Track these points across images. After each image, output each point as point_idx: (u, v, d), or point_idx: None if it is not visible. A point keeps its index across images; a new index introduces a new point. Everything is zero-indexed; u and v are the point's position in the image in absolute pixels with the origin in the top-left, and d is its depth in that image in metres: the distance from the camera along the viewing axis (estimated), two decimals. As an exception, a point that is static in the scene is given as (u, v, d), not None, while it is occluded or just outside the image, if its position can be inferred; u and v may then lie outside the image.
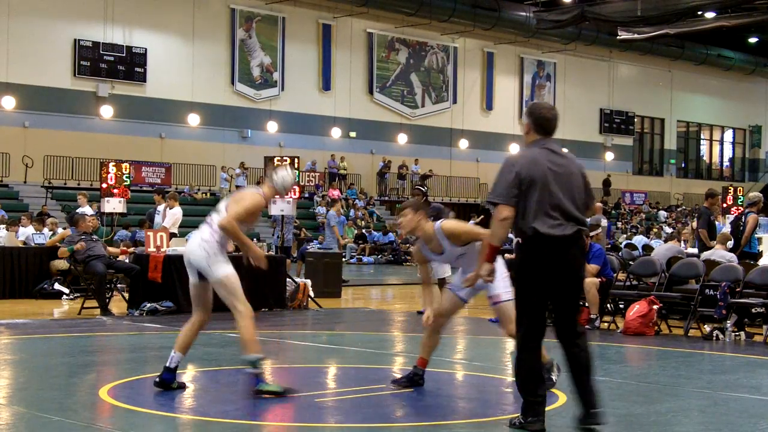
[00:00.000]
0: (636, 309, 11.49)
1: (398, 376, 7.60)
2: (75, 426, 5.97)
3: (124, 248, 16.11)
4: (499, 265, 6.90)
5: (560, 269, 5.64)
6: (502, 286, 6.97)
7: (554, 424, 6.30)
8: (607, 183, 45.29)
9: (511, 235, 7.51)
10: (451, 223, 7.18)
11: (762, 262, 13.38)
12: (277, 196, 7.49)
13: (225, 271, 6.87)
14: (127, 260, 14.41)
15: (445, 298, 7.33)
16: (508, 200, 5.56)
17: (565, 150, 5.95)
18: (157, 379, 7.02)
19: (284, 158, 16.66)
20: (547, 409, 6.64)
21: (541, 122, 5.79)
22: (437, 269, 13.68)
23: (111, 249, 14.99)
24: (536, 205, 5.56)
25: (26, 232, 17.32)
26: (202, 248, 6.87)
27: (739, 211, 19.14)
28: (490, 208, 5.81)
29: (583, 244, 5.80)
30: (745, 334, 11.29)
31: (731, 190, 25.36)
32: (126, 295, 13.71)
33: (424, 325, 7.41)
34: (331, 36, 37.28)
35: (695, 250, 15.07)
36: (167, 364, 6.99)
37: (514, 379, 5.86)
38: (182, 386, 7.12)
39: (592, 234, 14.29)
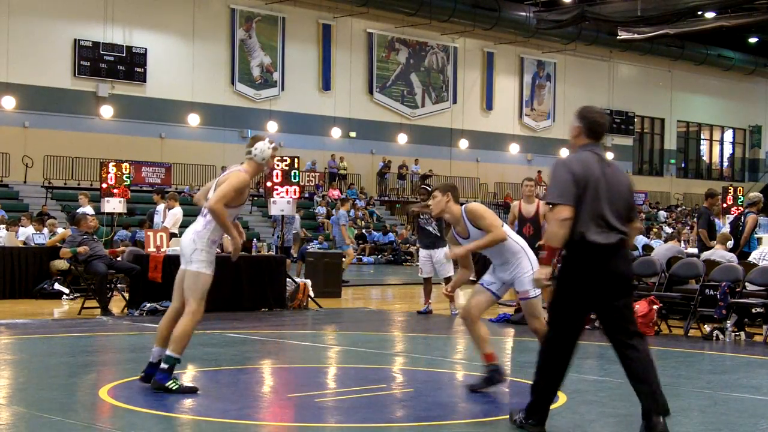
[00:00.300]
0: (636, 309, 11.48)
1: (472, 382, 7.34)
2: (75, 426, 5.97)
3: (114, 249, 16.09)
4: (530, 261, 7.03)
5: (606, 278, 5.52)
6: (530, 282, 6.98)
7: (554, 424, 6.30)
8: None
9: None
10: (474, 205, 7.17)
11: (752, 257, 13.34)
12: (265, 169, 7.35)
13: (203, 270, 6.96)
14: (120, 258, 14.40)
15: (474, 291, 7.28)
16: (568, 200, 5.41)
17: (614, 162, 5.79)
18: (143, 374, 7.12)
19: (284, 158, 16.64)
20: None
21: (594, 127, 5.63)
22: (440, 268, 13.71)
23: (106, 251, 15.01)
24: (584, 210, 5.45)
25: (26, 232, 17.32)
26: (191, 239, 7.00)
27: (739, 211, 19.14)
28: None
29: (627, 253, 5.67)
30: (745, 334, 11.29)
31: (731, 190, 25.33)
32: (126, 294, 13.71)
33: (444, 294, 7.54)
34: (331, 36, 37.29)
35: (695, 250, 15.07)
36: (150, 360, 7.09)
37: (533, 380, 5.69)
38: (191, 389, 7.12)
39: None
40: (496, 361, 7.18)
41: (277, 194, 16.00)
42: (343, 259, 20.58)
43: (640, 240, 24.55)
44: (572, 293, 5.56)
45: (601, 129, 5.65)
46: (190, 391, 6.90)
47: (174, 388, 6.86)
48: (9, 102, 29.95)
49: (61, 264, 15.31)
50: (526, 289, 7.00)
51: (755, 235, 14.91)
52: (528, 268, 7.01)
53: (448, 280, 13.57)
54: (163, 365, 6.93)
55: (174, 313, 7.15)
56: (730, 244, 13.67)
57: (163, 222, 17.10)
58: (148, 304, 12.85)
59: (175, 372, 7.21)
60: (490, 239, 6.98)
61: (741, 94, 51.68)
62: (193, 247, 6.97)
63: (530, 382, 5.77)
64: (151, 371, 7.07)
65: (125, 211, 22.87)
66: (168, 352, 6.93)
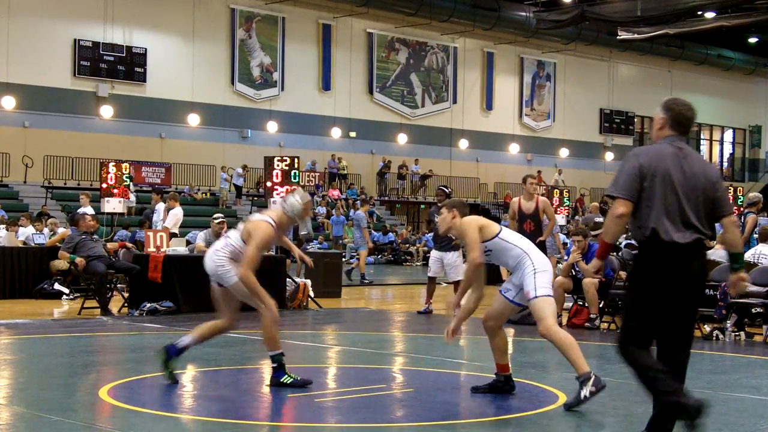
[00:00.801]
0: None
1: (479, 384, 7.24)
2: (75, 426, 5.97)
3: (123, 241, 16.10)
4: (532, 261, 6.80)
5: (677, 281, 5.10)
6: (533, 282, 6.75)
7: (554, 424, 6.30)
8: None
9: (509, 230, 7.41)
10: (464, 221, 6.95)
11: (747, 257, 13.29)
12: (298, 221, 7.51)
13: (234, 279, 7.12)
14: (120, 253, 14.41)
15: (494, 300, 7.10)
16: (627, 195, 5.08)
17: (699, 154, 5.48)
18: (163, 347, 7.32)
19: (284, 158, 16.65)
20: (546, 409, 6.66)
21: (680, 120, 5.27)
22: (450, 271, 13.65)
23: (109, 245, 15.02)
24: (656, 204, 5.08)
25: (26, 232, 17.32)
26: (212, 259, 7.19)
27: (739, 211, 19.13)
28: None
29: (704, 257, 5.25)
30: (745, 334, 11.29)
31: (731, 190, 25.34)
32: (126, 294, 13.71)
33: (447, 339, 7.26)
34: (331, 36, 37.29)
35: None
36: (176, 342, 7.30)
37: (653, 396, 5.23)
38: (174, 380, 7.28)
39: (595, 233, 14.26)
40: (508, 372, 7.08)
41: (278, 194, 16.02)
42: (358, 261, 20.88)
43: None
44: (646, 294, 5.14)
45: (687, 123, 5.32)
46: (305, 384, 7.12)
47: (288, 381, 7.12)
48: (9, 102, 29.95)
49: (61, 264, 15.30)
50: (528, 290, 6.77)
51: (755, 236, 14.90)
52: (530, 268, 6.79)
53: (456, 284, 13.49)
54: (273, 365, 7.18)
55: (219, 327, 7.39)
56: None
57: (163, 222, 17.10)
58: (148, 304, 12.84)
59: (175, 372, 7.24)
60: (467, 272, 6.90)
61: (741, 94, 51.67)
62: (214, 265, 7.17)
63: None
64: (171, 349, 7.25)
65: (125, 211, 22.90)
66: (269, 353, 7.18)
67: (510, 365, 7.14)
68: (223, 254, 7.15)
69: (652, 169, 5.10)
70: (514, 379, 7.18)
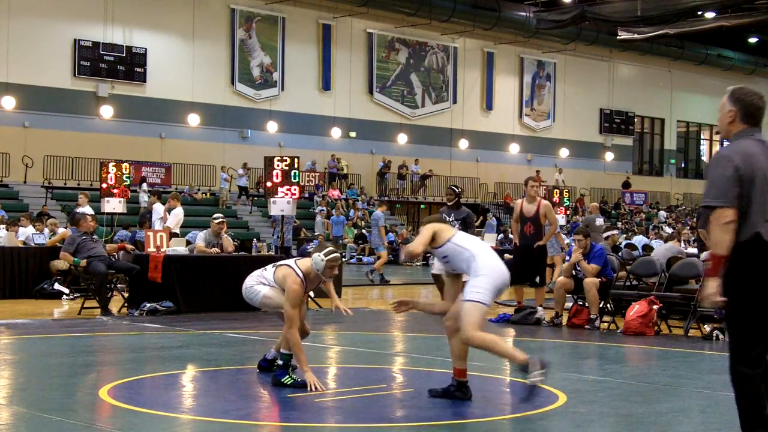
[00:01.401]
0: (636, 309, 11.49)
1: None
2: (75, 426, 5.97)
3: (123, 243, 16.10)
4: (478, 264, 6.50)
5: None
6: (470, 284, 6.49)
7: (554, 424, 6.30)
8: (626, 185, 45.53)
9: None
10: (425, 225, 6.77)
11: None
12: (322, 278, 7.79)
13: (260, 294, 7.64)
14: (120, 253, 14.40)
15: (457, 303, 6.89)
16: (729, 201, 4.73)
17: None
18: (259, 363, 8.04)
19: (284, 158, 16.65)
20: (546, 409, 6.66)
21: (751, 111, 4.94)
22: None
23: (109, 246, 15.01)
24: (757, 206, 4.77)
25: (26, 232, 17.31)
26: (246, 284, 7.78)
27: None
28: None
29: None
30: (745, 334, 11.27)
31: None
32: (126, 294, 13.70)
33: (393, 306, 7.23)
34: (331, 36, 37.30)
35: (695, 250, 15.05)
36: (266, 355, 8.00)
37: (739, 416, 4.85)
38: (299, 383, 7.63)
39: (606, 235, 14.27)
40: (463, 378, 6.85)
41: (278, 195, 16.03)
42: (378, 261, 21.00)
43: (640, 240, 24.56)
44: (754, 301, 4.81)
45: (759, 113, 4.98)
46: (303, 386, 7.16)
47: (288, 382, 7.29)
48: (9, 102, 29.96)
49: (61, 264, 15.29)
50: (464, 290, 6.54)
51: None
52: (473, 271, 6.50)
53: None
54: (279, 362, 7.51)
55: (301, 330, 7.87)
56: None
57: (163, 222, 17.10)
58: (148, 304, 12.84)
59: (179, 371, 7.24)
60: (401, 256, 6.92)
61: (741, 94, 51.64)
62: (244, 289, 7.76)
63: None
64: (262, 363, 7.96)
65: (125, 211, 22.92)
66: (281, 350, 7.56)
67: (467, 371, 6.86)
68: (255, 280, 7.72)
69: (749, 170, 4.80)
70: (515, 379, 7.16)
